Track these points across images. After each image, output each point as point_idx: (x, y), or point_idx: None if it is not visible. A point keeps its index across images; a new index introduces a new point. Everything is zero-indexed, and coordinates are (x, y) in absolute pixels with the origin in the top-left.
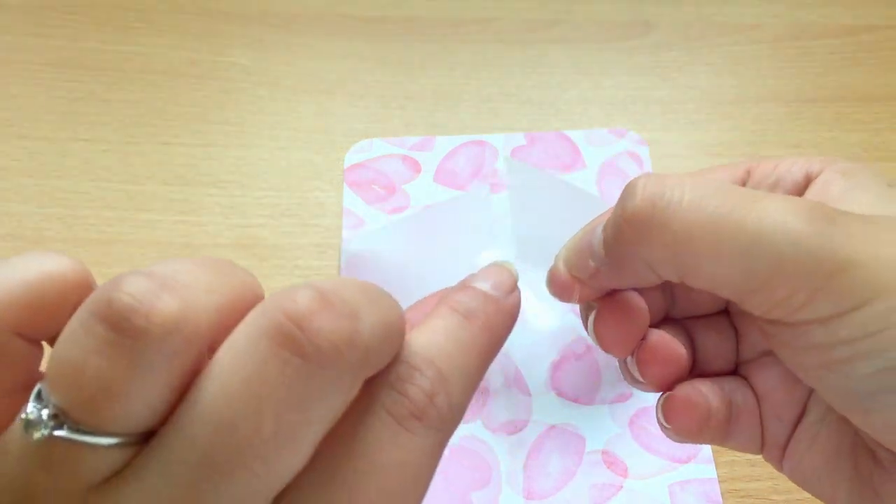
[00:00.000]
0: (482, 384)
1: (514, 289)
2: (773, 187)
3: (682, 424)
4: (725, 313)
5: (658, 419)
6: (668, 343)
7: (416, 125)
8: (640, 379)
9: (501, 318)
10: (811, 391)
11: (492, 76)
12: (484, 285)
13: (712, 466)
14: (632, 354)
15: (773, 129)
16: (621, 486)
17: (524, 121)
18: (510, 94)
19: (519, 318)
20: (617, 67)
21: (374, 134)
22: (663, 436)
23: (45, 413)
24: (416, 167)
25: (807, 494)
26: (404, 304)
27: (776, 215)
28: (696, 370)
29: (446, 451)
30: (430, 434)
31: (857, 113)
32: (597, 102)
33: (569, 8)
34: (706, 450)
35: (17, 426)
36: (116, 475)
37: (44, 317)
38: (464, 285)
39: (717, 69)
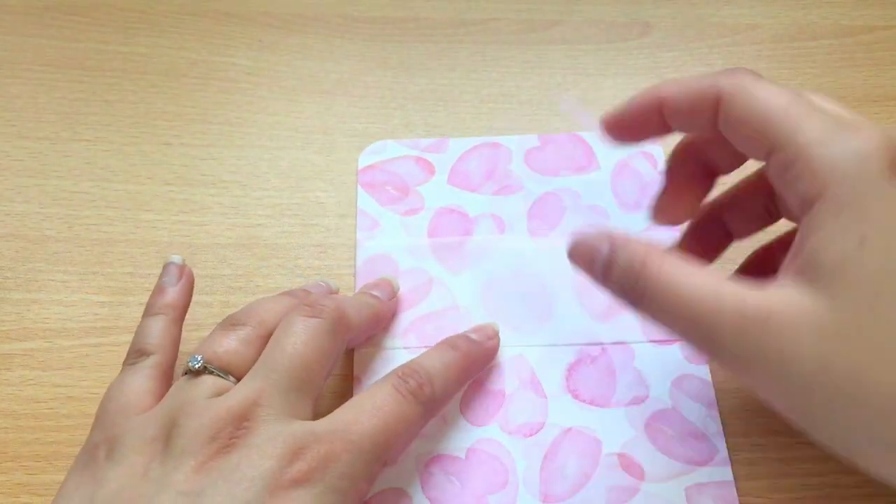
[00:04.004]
0: (497, 388)
1: (493, 337)
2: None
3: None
4: None
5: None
6: None
7: (416, 125)
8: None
9: (479, 353)
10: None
11: (492, 76)
12: (472, 335)
13: (728, 469)
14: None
15: None
16: (638, 489)
17: (524, 121)
18: (510, 94)
19: (533, 320)
20: (616, 68)
21: (374, 134)
22: (680, 438)
23: (197, 363)
24: (429, 169)
25: (805, 493)
26: (415, 303)
27: None
28: None
29: (462, 455)
30: (416, 405)
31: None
32: (596, 103)
33: (568, 9)
34: (723, 453)
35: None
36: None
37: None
38: (459, 333)
39: (716, 70)
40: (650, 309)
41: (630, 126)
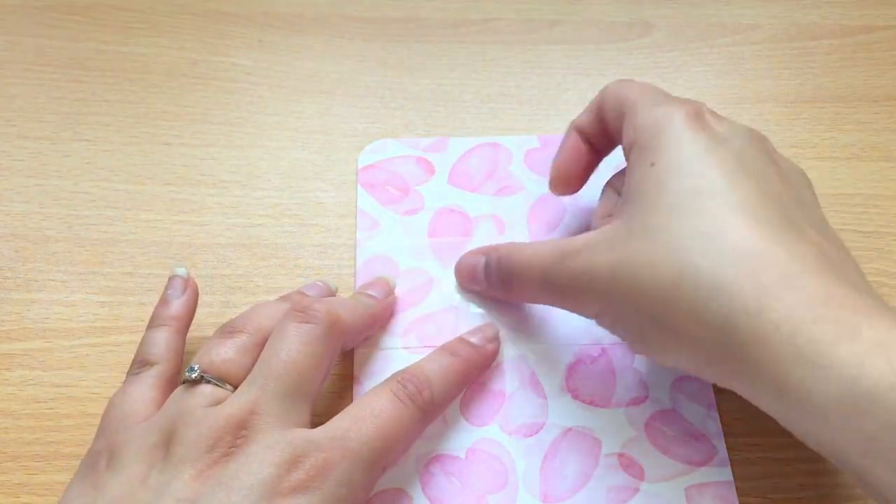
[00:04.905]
0: (497, 388)
1: (492, 340)
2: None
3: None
4: None
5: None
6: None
7: (416, 125)
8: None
9: (478, 357)
10: None
11: (492, 76)
12: (472, 339)
13: (728, 470)
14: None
15: (771, 129)
16: (638, 489)
17: (524, 121)
18: (510, 94)
19: (532, 321)
20: (616, 68)
21: (374, 134)
22: (680, 439)
23: (194, 373)
24: (429, 168)
25: (805, 493)
26: (415, 303)
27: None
28: None
29: (462, 455)
30: (415, 410)
31: (856, 113)
32: None
33: (568, 8)
34: (722, 453)
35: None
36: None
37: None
38: (459, 337)
39: (716, 70)
40: (517, 282)
41: (574, 174)
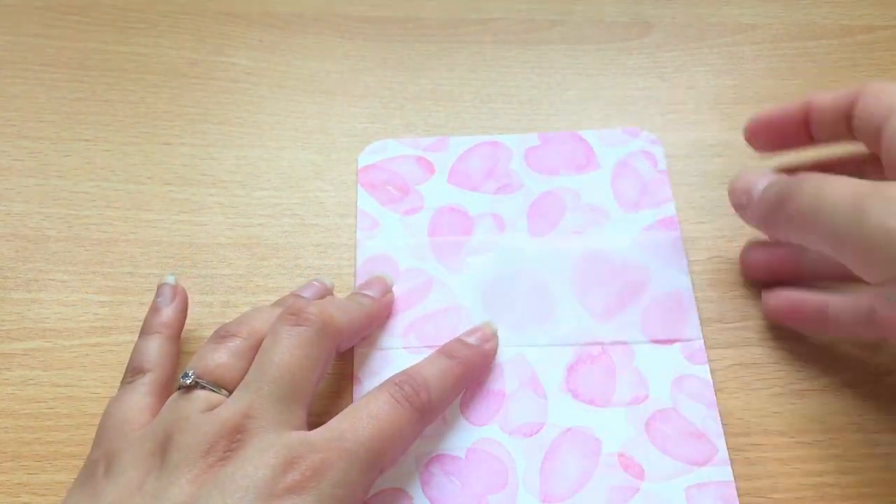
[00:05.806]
0: (497, 388)
1: (490, 339)
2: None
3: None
4: None
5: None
6: None
7: (416, 125)
8: None
9: (476, 358)
10: None
11: (492, 76)
12: (469, 339)
13: (728, 469)
14: None
15: None
16: (638, 489)
17: (524, 121)
18: (510, 94)
19: (532, 320)
20: (616, 68)
21: (374, 134)
22: (680, 438)
23: (188, 379)
24: (429, 168)
25: (805, 493)
26: (415, 303)
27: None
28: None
29: (462, 455)
30: (412, 412)
31: None
32: (596, 103)
33: (568, 8)
34: (723, 452)
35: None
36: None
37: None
38: (456, 338)
39: (716, 70)
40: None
41: (774, 133)
